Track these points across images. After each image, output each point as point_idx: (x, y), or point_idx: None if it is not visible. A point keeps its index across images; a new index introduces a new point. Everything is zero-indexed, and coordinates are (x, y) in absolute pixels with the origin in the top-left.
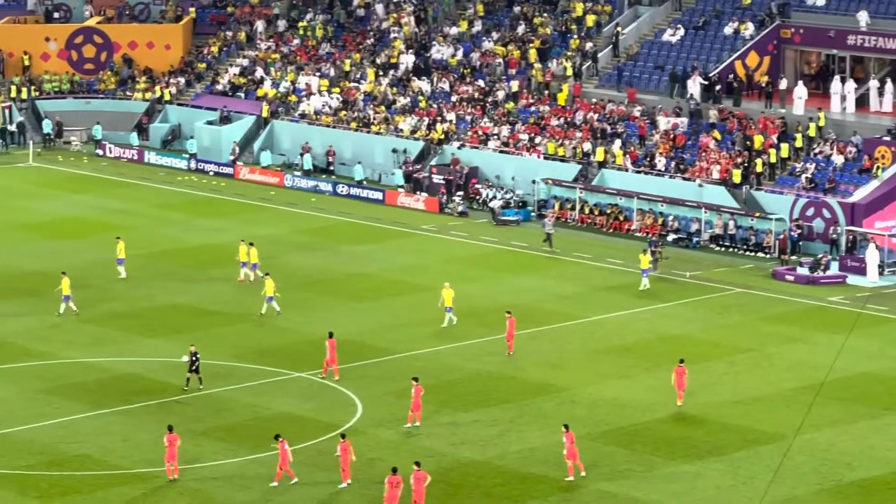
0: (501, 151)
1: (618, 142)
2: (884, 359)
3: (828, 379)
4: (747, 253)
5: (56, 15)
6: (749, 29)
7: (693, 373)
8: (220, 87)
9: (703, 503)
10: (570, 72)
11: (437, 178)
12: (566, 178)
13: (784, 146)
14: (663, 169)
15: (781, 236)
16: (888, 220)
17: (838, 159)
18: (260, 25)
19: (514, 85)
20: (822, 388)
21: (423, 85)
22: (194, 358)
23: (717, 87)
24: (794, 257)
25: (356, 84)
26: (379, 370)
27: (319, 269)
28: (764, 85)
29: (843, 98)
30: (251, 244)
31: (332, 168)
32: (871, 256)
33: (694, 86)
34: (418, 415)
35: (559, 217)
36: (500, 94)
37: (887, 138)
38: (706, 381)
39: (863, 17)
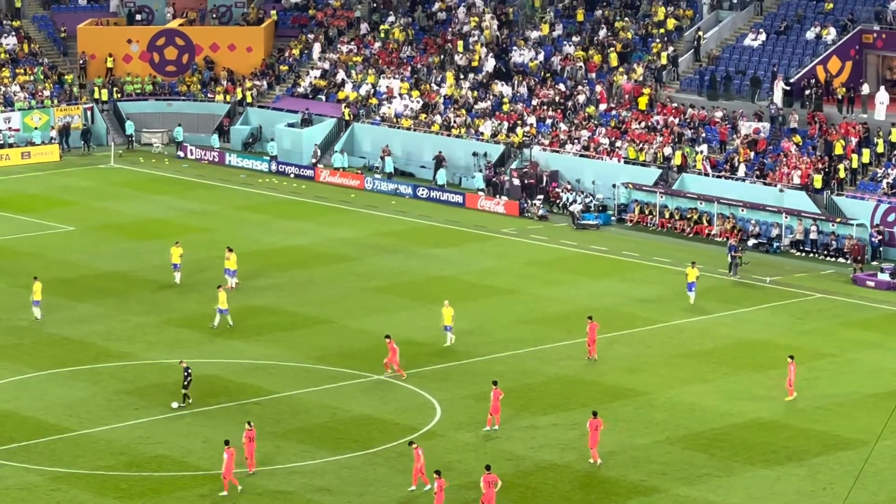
0: (582, 155)
1: (699, 146)
2: None
3: None
4: (828, 258)
5: (138, 17)
6: (831, 34)
7: (774, 378)
8: (301, 90)
9: None
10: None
11: (517, 182)
12: (646, 183)
13: (866, 151)
14: (744, 174)
15: (854, 244)
16: None
17: None
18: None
19: (598, 89)
20: None
21: (503, 89)
22: (186, 374)
23: (806, 92)
24: (875, 263)
25: (436, 87)
26: (458, 373)
27: (399, 271)
28: (841, 97)
29: None
30: (230, 250)
31: (442, 169)
32: None
33: (777, 91)
34: (497, 418)
35: (641, 223)
36: (581, 98)
37: None
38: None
39: None
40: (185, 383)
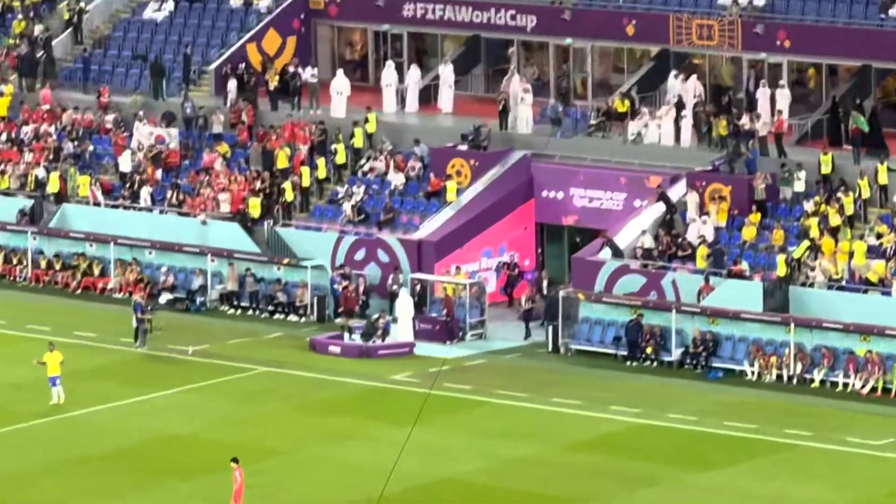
0: None
1: (85, 165)
2: (466, 456)
3: (394, 489)
4: (275, 316)
5: None
6: (265, 1)
7: (202, 488)
8: None
9: None
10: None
11: None
12: (10, 220)
13: (321, 163)
14: (149, 201)
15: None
16: (472, 263)
17: (397, 179)
18: None
19: None
20: (383, 500)
21: None
22: None
23: (230, 82)
24: (338, 319)
25: None
26: None
27: None
28: (274, 89)
29: (401, 92)
30: None
31: None
32: (404, 307)
33: (230, 83)
34: None
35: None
36: None
37: (464, 147)
38: (222, 498)
39: None
40: None
